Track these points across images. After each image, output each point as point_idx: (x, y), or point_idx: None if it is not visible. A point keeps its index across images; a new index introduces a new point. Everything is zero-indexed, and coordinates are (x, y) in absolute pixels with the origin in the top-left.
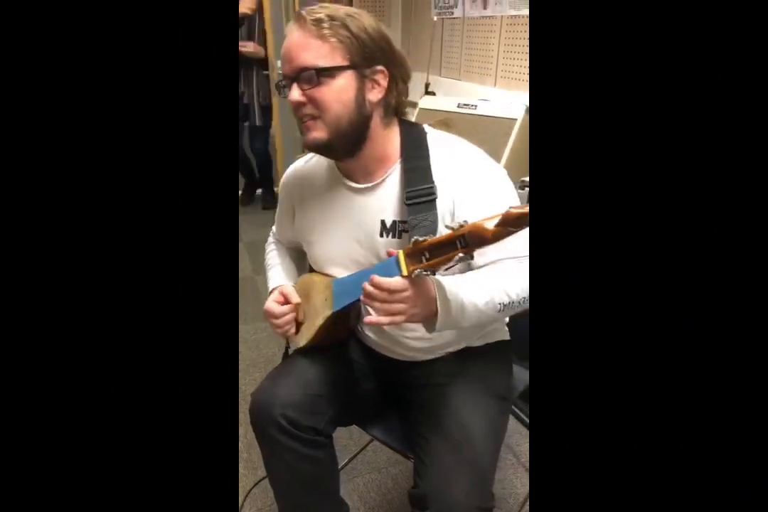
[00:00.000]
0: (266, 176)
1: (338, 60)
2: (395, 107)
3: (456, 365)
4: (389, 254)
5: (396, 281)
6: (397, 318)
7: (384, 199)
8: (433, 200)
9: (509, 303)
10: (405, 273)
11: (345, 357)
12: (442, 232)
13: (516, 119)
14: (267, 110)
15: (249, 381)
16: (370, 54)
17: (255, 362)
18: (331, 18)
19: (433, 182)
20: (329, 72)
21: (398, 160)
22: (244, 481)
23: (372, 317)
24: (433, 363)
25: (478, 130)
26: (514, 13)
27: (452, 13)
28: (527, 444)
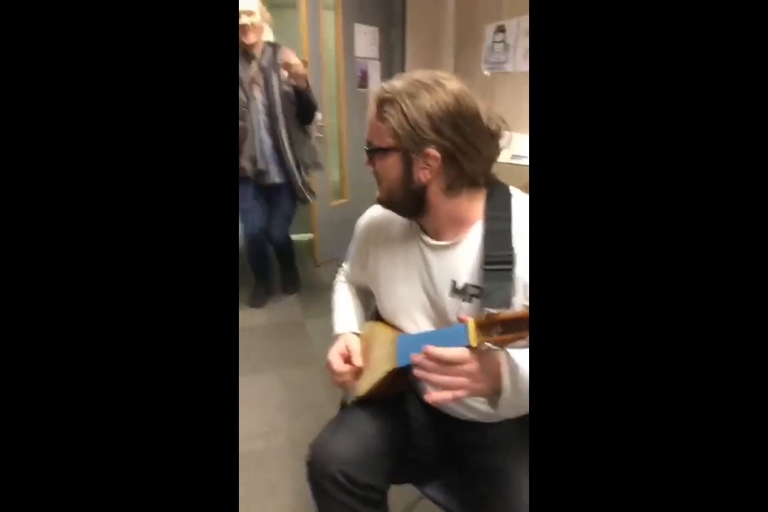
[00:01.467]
0: (288, 261)
1: (387, 142)
2: (462, 178)
3: (519, 429)
4: (460, 320)
5: (454, 352)
6: (459, 394)
7: (459, 260)
8: (511, 269)
9: None
10: (473, 344)
11: (404, 413)
12: (515, 303)
13: None
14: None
15: (298, 426)
16: (422, 138)
17: (304, 407)
18: (395, 100)
19: (512, 249)
20: (376, 151)
21: (478, 221)
22: None
23: (433, 394)
24: (496, 426)
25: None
26: None
27: (503, 68)
28: None
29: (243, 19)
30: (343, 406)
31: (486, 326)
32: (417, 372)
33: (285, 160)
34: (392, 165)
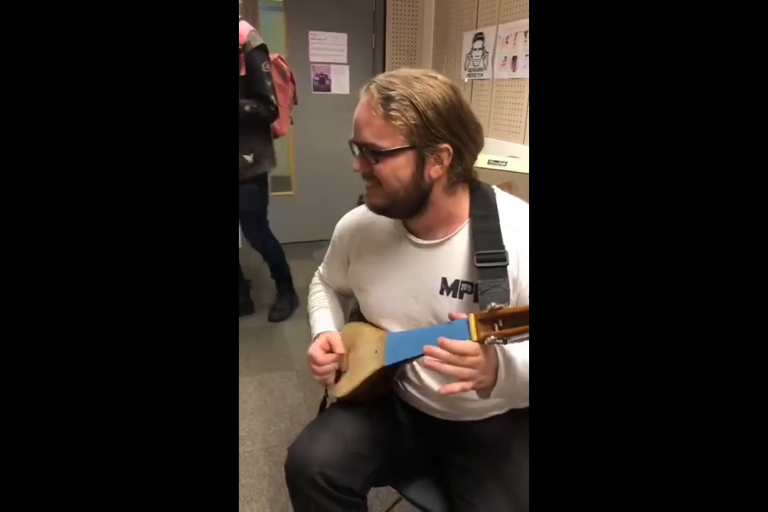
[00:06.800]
0: (280, 274)
1: (399, 142)
2: (462, 175)
3: (502, 427)
4: (451, 317)
5: (470, 345)
6: (467, 385)
7: (448, 257)
8: (505, 266)
9: None
10: (475, 338)
11: (386, 414)
12: (513, 300)
13: None
14: (261, 183)
15: (274, 431)
16: (434, 133)
17: (280, 412)
18: (401, 96)
19: (504, 247)
20: (389, 152)
21: (466, 220)
22: None
23: (447, 386)
24: (480, 425)
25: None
26: None
27: (482, 75)
28: None
29: None
30: (323, 409)
31: (487, 320)
32: (429, 362)
33: None
34: (404, 165)
